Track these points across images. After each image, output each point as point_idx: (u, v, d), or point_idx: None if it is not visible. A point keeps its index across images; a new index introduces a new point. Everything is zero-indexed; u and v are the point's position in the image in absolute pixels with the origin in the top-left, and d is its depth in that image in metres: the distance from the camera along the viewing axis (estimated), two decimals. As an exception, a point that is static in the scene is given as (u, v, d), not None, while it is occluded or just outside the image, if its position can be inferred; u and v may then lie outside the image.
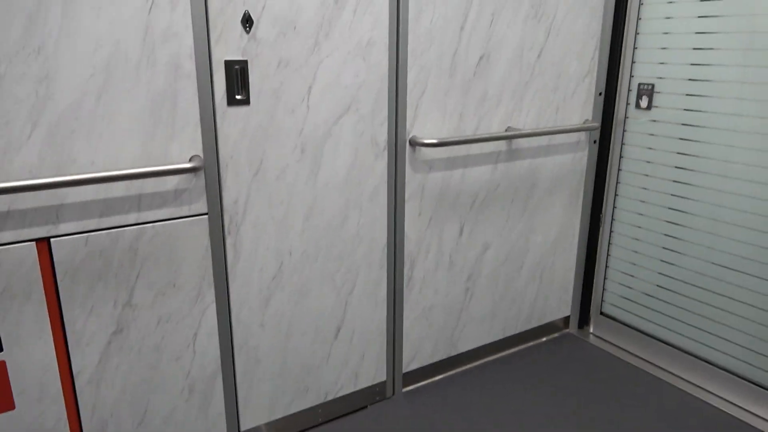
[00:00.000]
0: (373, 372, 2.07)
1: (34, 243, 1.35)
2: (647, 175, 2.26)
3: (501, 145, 2.12)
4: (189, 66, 1.45)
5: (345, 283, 1.90)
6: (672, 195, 2.18)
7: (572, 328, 2.66)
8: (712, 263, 2.09)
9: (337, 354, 1.96)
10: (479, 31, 1.93)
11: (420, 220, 2.01)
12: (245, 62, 1.53)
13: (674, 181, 2.17)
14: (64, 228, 1.38)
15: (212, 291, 1.64)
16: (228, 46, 1.50)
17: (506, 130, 2.10)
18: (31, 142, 1.30)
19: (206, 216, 1.58)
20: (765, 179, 1.90)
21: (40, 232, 1.36)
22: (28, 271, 1.36)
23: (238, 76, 1.52)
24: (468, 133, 2.02)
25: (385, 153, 1.86)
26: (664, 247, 2.25)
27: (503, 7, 1.96)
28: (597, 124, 2.28)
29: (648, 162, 2.25)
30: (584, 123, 2.31)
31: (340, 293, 1.90)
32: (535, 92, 2.14)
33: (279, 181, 1.68)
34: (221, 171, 1.57)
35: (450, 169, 2.02)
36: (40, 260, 1.37)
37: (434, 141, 1.86)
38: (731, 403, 2.09)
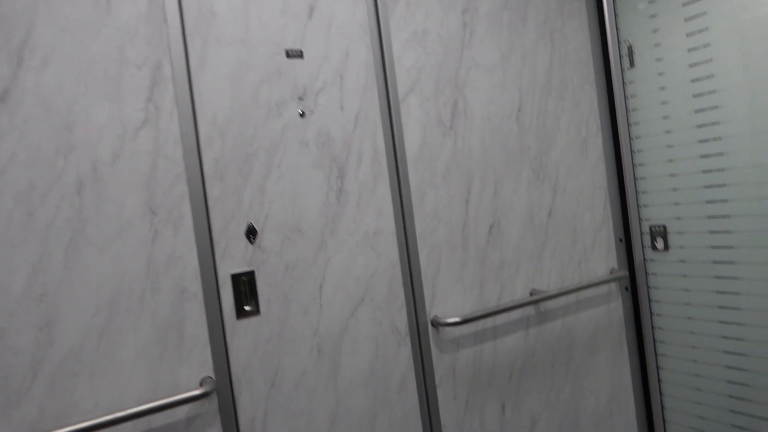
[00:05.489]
0: None
1: (33, 507, 1.23)
2: (690, 318, 2.11)
3: (528, 309, 2.01)
4: (195, 287, 1.42)
5: (383, 493, 1.70)
6: (723, 337, 2.01)
7: (649, 501, 2.32)
8: (792, 411, 1.86)
9: None
10: (485, 202, 1.92)
11: (456, 405, 1.84)
12: (252, 273, 1.50)
13: (720, 322, 2.01)
14: (65, 485, 1.26)
15: None
16: (233, 259, 1.48)
17: (531, 294, 2.00)
18: (31, 394, 1.23)
19: (222, 442, 1.45)
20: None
21: (40, 493, 1.23)
22: None
23: (245, 288, 1.48)
24: (491, 303, 1.93)
25: (408, 339, 1.75)
26: (729, 395, 2.02)
27: (505, 175, 1.97)
28: (624, 271, 2.18)
29: (686, 304, 2.11)
30: (611, 273, 2.21)
31: (379, 505, 1.69)
32: (554, 250, 2.08)
33: (297, 388, 1.56)
34: (235, 390, 1.47)
35: (479, 344, 1.89)
36: None
37: (457, 319, 1.76)
38: None
